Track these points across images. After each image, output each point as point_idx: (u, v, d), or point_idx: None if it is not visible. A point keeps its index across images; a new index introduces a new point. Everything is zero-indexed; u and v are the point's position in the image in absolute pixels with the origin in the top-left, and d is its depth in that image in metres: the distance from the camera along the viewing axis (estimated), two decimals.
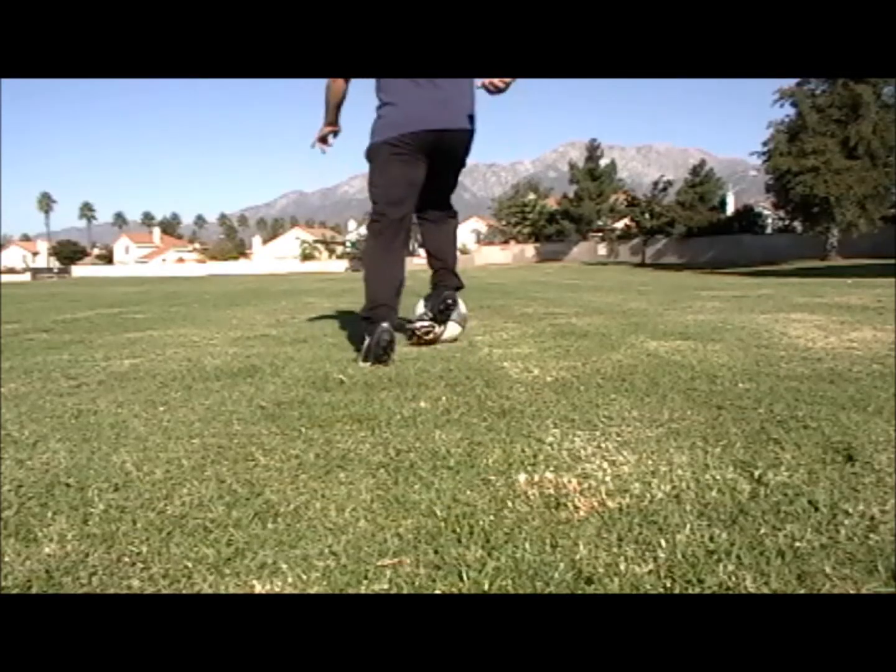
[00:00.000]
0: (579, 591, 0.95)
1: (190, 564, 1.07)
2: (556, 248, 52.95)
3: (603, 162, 57.72)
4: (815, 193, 29.79)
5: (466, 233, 70.91)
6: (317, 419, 1.94)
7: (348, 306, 7.13)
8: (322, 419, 1.94)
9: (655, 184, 46.11)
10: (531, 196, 59.46)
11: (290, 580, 1.01)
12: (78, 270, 70.56)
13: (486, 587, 0.97)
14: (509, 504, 1.27)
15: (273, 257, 70.97)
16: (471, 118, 3.03)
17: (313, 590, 0.98)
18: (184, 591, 0.99)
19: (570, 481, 1.38)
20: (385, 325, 2.80)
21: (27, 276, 64.82)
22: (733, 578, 0.97)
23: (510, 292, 9.43)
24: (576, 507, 1.25)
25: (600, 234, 53.18)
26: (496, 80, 2.79)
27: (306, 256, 65.20)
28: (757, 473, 1.38)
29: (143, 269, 69.62)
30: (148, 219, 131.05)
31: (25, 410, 2.20)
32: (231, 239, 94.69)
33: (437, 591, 0.96)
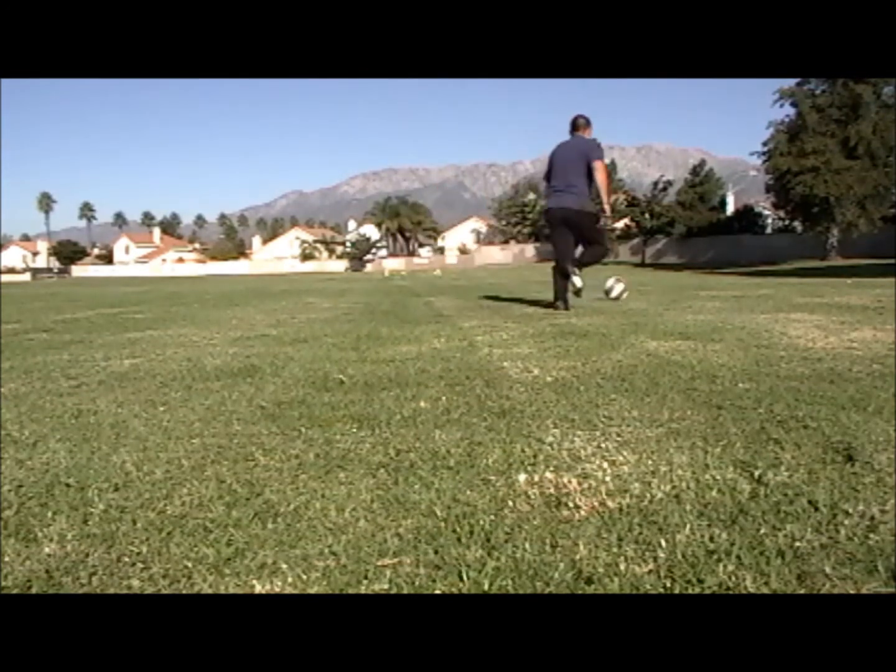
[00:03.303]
0: (579, 591, 0.95)
1: (190, 564, 1.07)
2: None
3: None
4: (815, 193, 29.76)
5: (466, 233, 70.87)
6: (317, 419, 1.94)
7: (348, 306, 7.13)
8: (322, 419, 1.94)
9: (655, 184, 46.04)
10: (531, 196, 59.33)
11: (290, 580, 1.01)
12: (77, 271, 70.51)
13: (486, 587, 0.97)
14: (509, 504, 1.27)
15: (273, 257, 70.94)
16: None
17: (313, 590, 0.98)
18: (184, 591, 0.99)
19: (570, 481, 1.38)
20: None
21: (27, 276, 64.83)
22: (733, 578, 0.97)
23: (510, 292, 9.43)
24: (576, 507, 1.25)
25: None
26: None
27: (306, 256, 65.18)
28: (757, 473, 1.38)
29: (143, 270, 69.58)
30: (148, 219, 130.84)
31: (25, 410, 2.20)
32: (231, 239, 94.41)
33: (437, 591, 0.96)
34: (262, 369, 2.85)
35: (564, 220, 5.75)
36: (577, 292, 5.62)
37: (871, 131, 29.80)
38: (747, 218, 45.54)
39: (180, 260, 77.23)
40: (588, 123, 5.87)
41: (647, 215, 44.21)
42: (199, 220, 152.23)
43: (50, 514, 1.29)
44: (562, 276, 5.72)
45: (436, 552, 1.08)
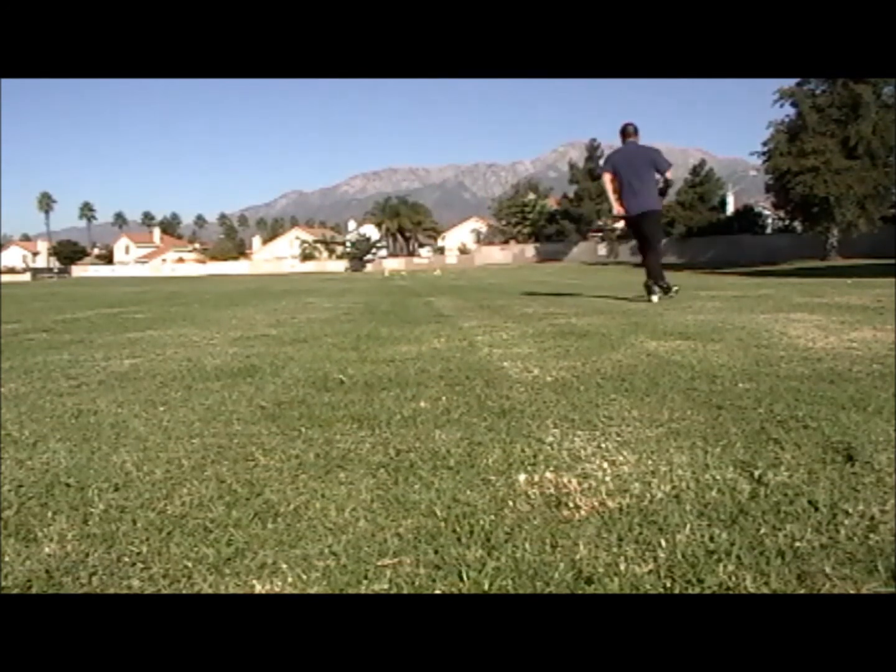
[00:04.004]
0: (579, 591, 0.95)
1: (190, 564, 1.07)
2: (556, 248, 52.83)
3: (602, 162, 57.38)
4: (815, 193, 29.72)
5: (466, 233, 70.81)
6: (317, 419, 1.94)
7: (348, 306, 7.13)
8: (322, 419, 1.94)
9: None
10: (531, 196, 59.26)
11: (290, 580, 1.01)
12: (77, 271, 70.45)
13: (486, 587, 0.97)
14: (509, 504, 1.27)
15: (273, 257, 70.93)
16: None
17: (313, 590, 0.98)
18: (184, 591, 0.99)
19: (570, 481, 1.38)
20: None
21: (27, 277, 64.81)
22: (733, 578, 0.97)
23: (510, 292, 9.43)
24: (576, 507, 1.25)
25: (600, 234, 53.06)
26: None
27: (306, 256, 65.20)
28: (757, 473, 1.38)
29: (143, 270, 69.52)
30: (148, 219, 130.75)
31: (25, 410, 2.20)
32: (231, 239, 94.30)
33: (437, 591, 0.96)
34: (262, 369, 2.85)
35: (644, 218, 6.93)
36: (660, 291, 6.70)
37: (871, 131, 29.78)
38: (747, 218, 45.53)
39: (180, 260, 77.18)
40: (636, 131, 7.16)
41: None
42: (199, 220, 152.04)
43: (50, 514, 1.29)
44: (656, 262, 7.00)
45: (436, 552, 1.08)
